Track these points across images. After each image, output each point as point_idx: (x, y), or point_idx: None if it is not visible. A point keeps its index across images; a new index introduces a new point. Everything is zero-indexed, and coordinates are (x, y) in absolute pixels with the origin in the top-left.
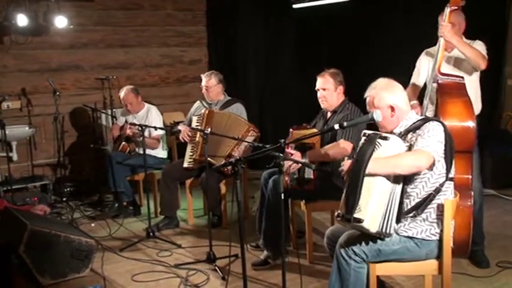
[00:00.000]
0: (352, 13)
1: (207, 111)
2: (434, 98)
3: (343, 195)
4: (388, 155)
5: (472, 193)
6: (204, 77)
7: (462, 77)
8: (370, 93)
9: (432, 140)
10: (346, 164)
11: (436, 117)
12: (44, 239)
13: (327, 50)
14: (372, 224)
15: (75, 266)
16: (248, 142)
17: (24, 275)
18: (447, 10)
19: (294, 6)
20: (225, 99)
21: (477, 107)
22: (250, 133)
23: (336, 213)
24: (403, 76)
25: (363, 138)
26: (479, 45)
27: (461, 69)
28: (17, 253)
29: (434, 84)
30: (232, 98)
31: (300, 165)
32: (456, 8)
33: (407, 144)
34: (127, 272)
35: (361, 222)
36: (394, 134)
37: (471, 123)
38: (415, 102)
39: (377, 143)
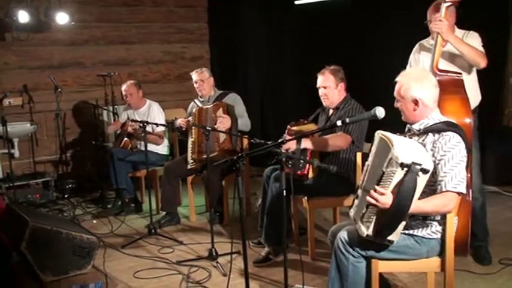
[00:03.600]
0: (354, 9)
1: (196, 110)
2: None
3: (373, 219)
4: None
5: (471, 191)
6: (195, 73)
7: (460, 73)
8: (400, 80)
9: (460, 169)
10: (383, 198)
11: None
12: (46, 236)
13: (328, 47)
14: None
15: (76, 262)
16: (221, 131)
17: (26, 272)
18: (443, 6)
19: (296, 2)
20: (216, 93)
21: (476, 99)
22: (219, 110)
23: (365, 234)
24: None
25: (400, 168)
26: (474, 39)
27: (457, 64)
28: (19, 250)
29: None
30: (224, 91)
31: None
32: (452, 4)
33: (428, 150)
34: (129, 269)
35: (392, 242)
36: (413, 129)
37: (468, 122)
38: None
39: (418, 177)
